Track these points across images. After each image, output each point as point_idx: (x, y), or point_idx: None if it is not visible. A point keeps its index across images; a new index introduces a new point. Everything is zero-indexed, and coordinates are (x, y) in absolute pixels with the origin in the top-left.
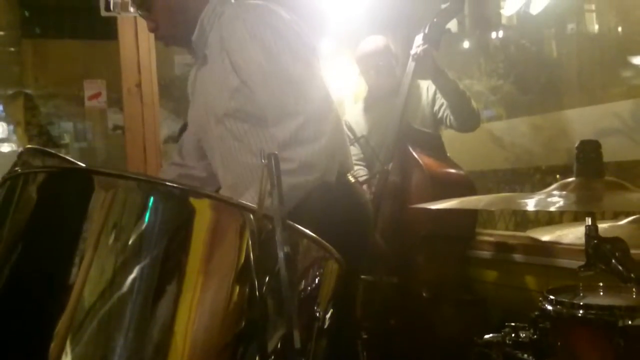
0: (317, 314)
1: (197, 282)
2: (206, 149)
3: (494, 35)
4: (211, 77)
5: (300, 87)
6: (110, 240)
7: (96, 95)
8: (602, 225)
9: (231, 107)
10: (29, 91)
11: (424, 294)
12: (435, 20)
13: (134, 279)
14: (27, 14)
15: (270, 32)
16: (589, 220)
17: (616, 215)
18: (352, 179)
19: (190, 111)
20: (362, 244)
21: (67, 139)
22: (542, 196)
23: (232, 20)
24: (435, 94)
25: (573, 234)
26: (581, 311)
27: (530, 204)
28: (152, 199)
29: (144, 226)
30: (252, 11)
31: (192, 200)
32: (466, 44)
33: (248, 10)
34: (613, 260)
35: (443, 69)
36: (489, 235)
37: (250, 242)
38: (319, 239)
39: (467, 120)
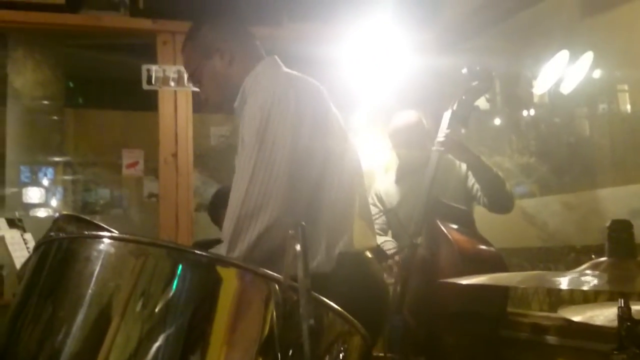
0: None
1: (221, 353)
2: None
3: (525, 113)
4: None
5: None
6: (138, 307)
7: (134, 164)
8: (637, 307)
9: None
10: (69, 159)
11: None
12: (463, 97)
13: (159, 348)
14: (71, 85)
15: (293, 104)
16: (621, 302)
17: None
18: (369, 255)
19: None
20: (375, 321)
21: (103, 206)
22: (575, 275)
23: (262, 85)
24: (468, 169)
25: (604, 316)
26: None
27: (563, 282)
28: (180, 266)
29: (171, 294)
30: (282, 82)
31: (219, 269)
32: (497, 121)
33: (280, 80)
34: None
35: (477, 155)
36: (522, 315)
37: (275, 314)
38: (345, 313)
39: (501, 204)
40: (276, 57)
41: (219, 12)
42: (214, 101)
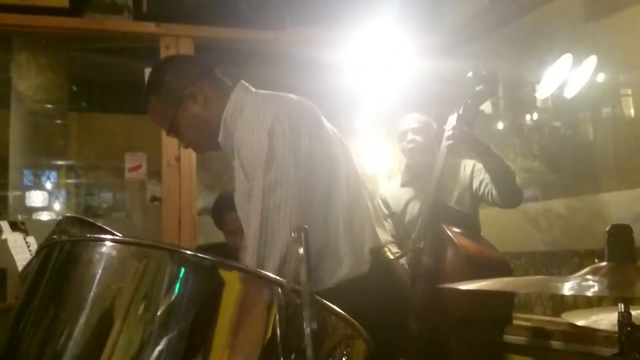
0: None
1: (223, 356)
2: None
3: (528, 117)
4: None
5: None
6: (140, 310)
7: (137, 168)
8: (638, 312)
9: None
10: (72, 162)
11: None
12: (469, 101)
13: (161, 351)
14: (74, 88)
15: (278, 127)
16: (621, 307)
17: None
18: (390, 255)
19: None
20: (399, 324)
21: (106, 209)
22: (577, 280)
23: (248, 114)
24: (472, 171)
25: (608, 320)
26: None
27: (565, 287)
28: (183, 270)
29: (173, 297)
30: (268, 104)
31: (221, 272)
32: (500, 125)
33: (265, 103)
34: None
35: (488, 145)
36: (526, 320)
37: (277, 317)
38: (348, 316)
39: (511, 196)
40: (242, 81)
41: (222, 16)
42: (201, 146)
